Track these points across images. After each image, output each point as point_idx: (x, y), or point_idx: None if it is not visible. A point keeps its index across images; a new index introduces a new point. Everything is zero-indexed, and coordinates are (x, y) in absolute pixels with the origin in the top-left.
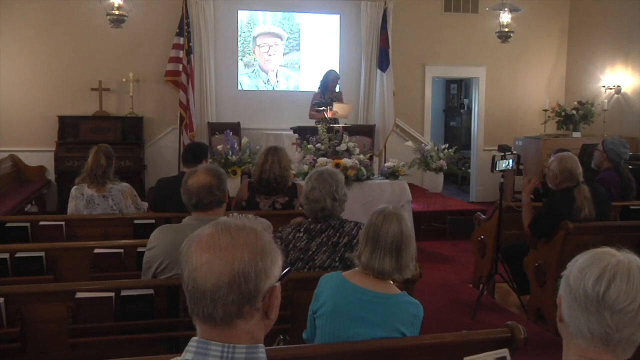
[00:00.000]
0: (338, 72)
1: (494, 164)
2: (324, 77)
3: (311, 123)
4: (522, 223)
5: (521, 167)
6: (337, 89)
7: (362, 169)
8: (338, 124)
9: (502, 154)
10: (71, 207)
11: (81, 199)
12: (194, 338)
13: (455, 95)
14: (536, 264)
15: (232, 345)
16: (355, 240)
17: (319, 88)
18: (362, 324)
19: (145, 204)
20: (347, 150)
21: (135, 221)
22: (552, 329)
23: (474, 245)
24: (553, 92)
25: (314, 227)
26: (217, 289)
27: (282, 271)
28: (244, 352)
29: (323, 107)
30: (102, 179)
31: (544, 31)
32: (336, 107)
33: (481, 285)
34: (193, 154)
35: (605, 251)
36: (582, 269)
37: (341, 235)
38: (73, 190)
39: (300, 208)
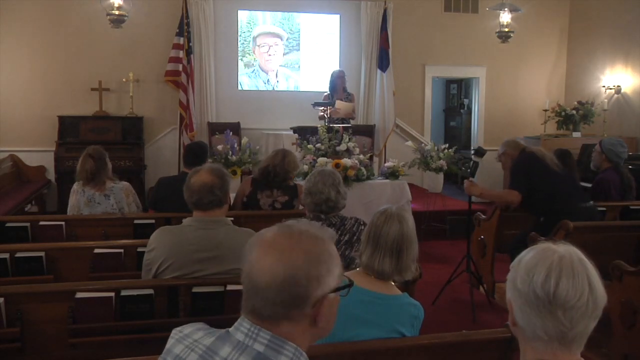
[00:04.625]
0: (342, 70)
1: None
2: (330, 78)
3: (311, 123)
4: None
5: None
6: (347, 89)
7: (362, 169)
8: (346, 123)
9: (473, 152)
10: (72, 201)
11: (82, 194)
12: (245, 318)
13: (455, 95)
14: None
15: (259, 328)
16: (355, 237)
17: (328, 90)
18: (362, 324)
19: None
20: (347, 150)
21: (135, 221)
22: None
23: (474, 245)
24: (553, 92)
25: (314, 224)
26: (268, 287)
27: (342, 284)
28: (267, 338)
29: (323, 108)
30: (94, 181)
31: (544, 31)
32: (338, 104)
33: (470, 286)
34: (195, 155)
35: (546, 248)
36: (528, 271)
37: (342, 233)
38: (75, 185)
39: (301, 207)
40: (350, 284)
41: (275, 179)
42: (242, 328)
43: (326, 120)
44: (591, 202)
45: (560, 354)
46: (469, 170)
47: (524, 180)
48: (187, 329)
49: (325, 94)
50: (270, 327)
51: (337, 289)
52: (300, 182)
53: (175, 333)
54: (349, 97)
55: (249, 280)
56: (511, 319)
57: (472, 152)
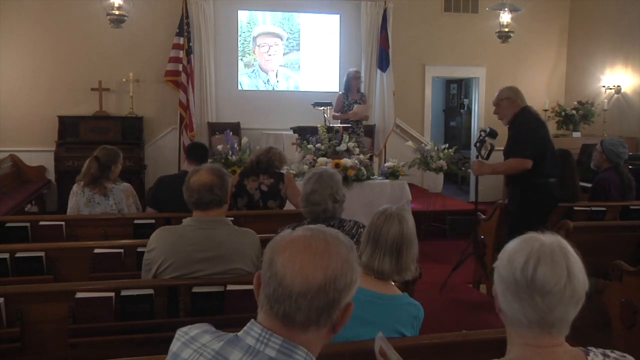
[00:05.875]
0: (357, 70)
1: (481, 143)
2: (345, 78)
3: (311, 123)
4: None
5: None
6: (360, 89)
7: (362, 169)
8: (361, 123)
9: (484, 134)
10: (72, 203)
11: (82, 195)
12: (255, 323)
13: (455, 95)
14: None
15: (270, 333)
16: (354, 239)
17: (343, 90)
18: (362, 324)
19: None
20: (347, 150)
21: (135, 221)
22: None
23: (474, 245)
24: (553, 92)
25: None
26: (306, 292)
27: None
28: (278, 343)
29: (323, 108)
30: (94, 184)
31: (544, 31)
32: (355, 108)
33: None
34: (200, 152)
35: (530, 237)
36: (510, 257)
37: None
38: (75, 186)
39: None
40: None
41: (259, 166)
42: (252, 332)
43: (326, 120)
44: (554, 179)
45: (542, 338)
46: (482, 154)
47: (535, 146)
48: (193, 330)
49: (340, 93)
50: (295, 333)
51: None
52: (299, 181)
53: (181, 335)
54: (362, 98)
55: (279, 284)
56: (497, 305)
57: (484, 133)
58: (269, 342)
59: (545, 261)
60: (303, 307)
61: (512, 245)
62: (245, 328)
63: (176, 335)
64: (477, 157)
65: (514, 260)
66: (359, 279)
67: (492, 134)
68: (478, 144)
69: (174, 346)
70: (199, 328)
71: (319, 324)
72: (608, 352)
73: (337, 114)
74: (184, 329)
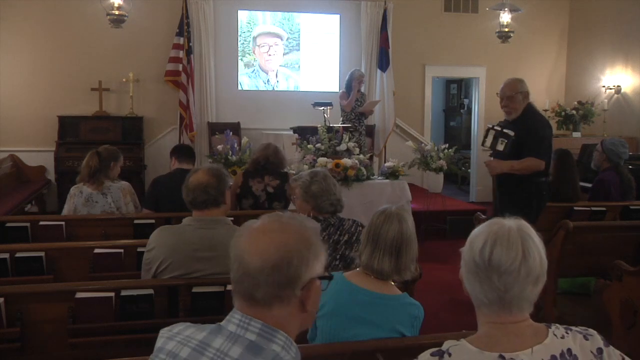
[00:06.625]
0: (362, 73)
1: (490, 139)
2: (348, 76)
3: (311, 123)
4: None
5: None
6: (361, 89)
7: (362, 169)
8: (363, 118)
9: (499, 129)
10: (69, 205)
11: (80, 197)
12: (236, 310)
13: (455, 95)
14: None
15: (250, 318)
16: (354, 238)
17: (343, 88)
18: (362, 324)
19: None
20: (347, 150)
21: (135, 221)
22: None
23: None
24: (553, 92)
25: (302, 216)
26: (262, 269)
27: (325, 273)
28: (258, 327)
29: (323, 108)
30: (93, 178)
31: (544, 31)
32: (368, 104)
33: None
34: (188, 150)
35: (492, 221)
36: (471, 241)
37: (341, 233)
38: (72, 189)
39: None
40: (330, 277)
41: (266, 167)
42: (233, 320)
43: (326, 120)
44: (545, 178)
45: (502, 316)
46: (500, 148)
47: (549, 148)
48: (177, 327)
49: (342, 91)
50: (262, 311)
51: (321, 277)
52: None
53: (165, 332)
54: (362, 97)
55: (239, 265)
56: (464, 288)
57: (500, 128)
58: (249, 326)
59: (501, 243)
60: (262, 283)
61: (476, 230)
62: (227, 316)
63: (160, 334)
64: (490, 155)
65: (474, 243)
66: (320, 256)
67: (508, 125)
68: (492, 140)
69: (158, 343)
70: (181, 325)
71: (282, 300)
72: (572, 327)
73: (344, 102)
74: (167, 328)
